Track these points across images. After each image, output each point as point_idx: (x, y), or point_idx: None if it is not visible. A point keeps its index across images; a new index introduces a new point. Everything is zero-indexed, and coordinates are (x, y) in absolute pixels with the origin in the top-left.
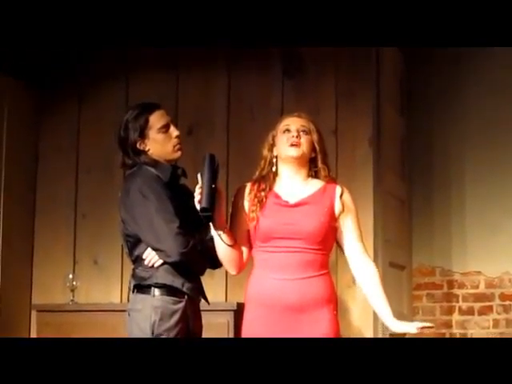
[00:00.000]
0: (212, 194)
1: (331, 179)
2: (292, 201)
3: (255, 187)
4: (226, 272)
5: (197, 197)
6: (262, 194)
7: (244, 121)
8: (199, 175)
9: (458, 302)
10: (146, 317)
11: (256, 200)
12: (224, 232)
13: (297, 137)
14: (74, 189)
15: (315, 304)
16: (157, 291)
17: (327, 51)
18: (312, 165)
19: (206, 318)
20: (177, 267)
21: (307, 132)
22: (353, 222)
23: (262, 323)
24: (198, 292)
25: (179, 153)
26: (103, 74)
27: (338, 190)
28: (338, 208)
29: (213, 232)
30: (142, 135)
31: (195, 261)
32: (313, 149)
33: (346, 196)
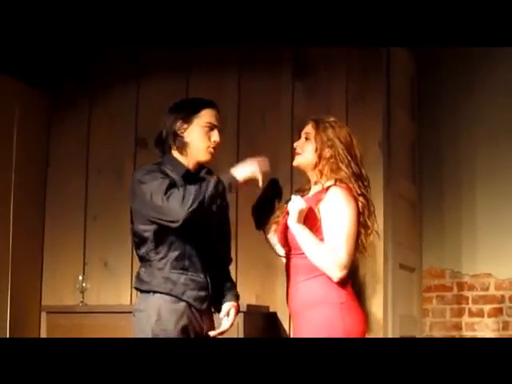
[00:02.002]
0: (267, 211)
1: (326, 185)
2: None
3: None
4: (236, 274)
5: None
6: (286, 205)
7: (254, 123)
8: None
9: (467, 304)
10: (147, 316)
11: (279, 210)
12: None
13: (298, 145)
14: (85, 191)
15: (307, 306)
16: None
17: (338, 54)
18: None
19: (216, 320)
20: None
21: (309, 138)
22: (326, 229)
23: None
24: (203, 301)
25: (210, 156)
26: (114, 76)
27: (322, 196)
28: (319, 215)
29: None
30: (188, 119)
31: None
32: (318, 154)
33: (325, 205)
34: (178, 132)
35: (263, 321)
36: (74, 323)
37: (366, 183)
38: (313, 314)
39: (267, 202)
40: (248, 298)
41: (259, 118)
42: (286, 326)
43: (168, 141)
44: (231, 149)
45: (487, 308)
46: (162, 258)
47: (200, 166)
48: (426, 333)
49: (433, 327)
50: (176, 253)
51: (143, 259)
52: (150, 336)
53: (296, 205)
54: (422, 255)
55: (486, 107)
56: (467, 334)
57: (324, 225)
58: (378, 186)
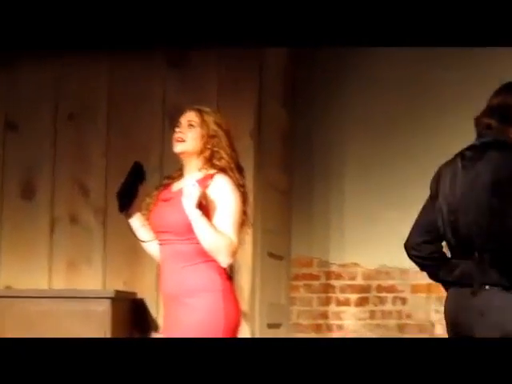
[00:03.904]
0: (131, 195)
1: (209, 172)
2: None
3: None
4: (104, 260)
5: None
6: (155, 191)
7: (126, 109)
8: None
9: (334, 293)
10: None
11: (148, 196)
12: (141, 228)
13: (180, 132)
14: None
15: (190, 293)
16: None
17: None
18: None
19: (83, 306)
20: None
21: (194, 126)
22: (217, 215)
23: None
24: None
25: None
26: None
27: (209, 183)
28: (205, 201)
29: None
30: None
31: None
32: (205, 141)
33: (214, 191)
34: None
35: (131, 307)
36: None
37: (243, 173)
38: (195, 300)
39: (130, 185)
40: (115, 284)
41: (131, 105)
42: (153, 312)
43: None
44: (102, 133)
45: (354, 297)
46: None
47: None
48: (293, 321)
49: (300, 315)
50: None
51: None
52: None
53: (194, 190)
54: (291, 244)
55: (354, 100)
56: (334, 322)
57: (214, 211)
58: (249, 174)
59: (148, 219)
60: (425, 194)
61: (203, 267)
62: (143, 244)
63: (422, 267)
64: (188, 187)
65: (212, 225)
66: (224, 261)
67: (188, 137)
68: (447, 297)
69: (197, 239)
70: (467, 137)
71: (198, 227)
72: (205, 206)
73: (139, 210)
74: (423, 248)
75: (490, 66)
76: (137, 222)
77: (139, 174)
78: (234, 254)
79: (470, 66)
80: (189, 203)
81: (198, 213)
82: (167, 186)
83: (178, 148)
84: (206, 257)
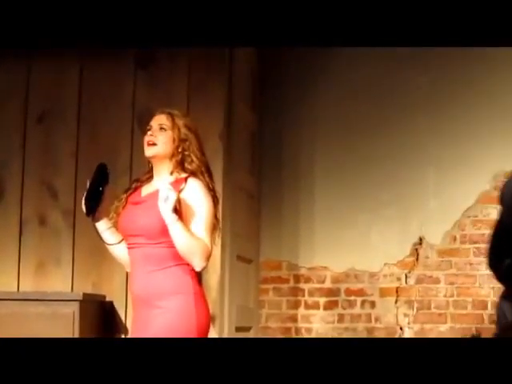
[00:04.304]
0: (96, 198)
1: (181, 176)
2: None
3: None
4: (73, 261)
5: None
6: (124, 195)
7: (95, 110)
8: (88, 180)
9: (303, 296)
10: None
11: (117, 199)
12: (107, 231)
13: (152, 135)
14: None
15: (162, 296)
16: None
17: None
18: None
19: (51, 308)
20: None
21: (165, 129)
22: (191, 219)
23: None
24: None
25: None
26: None
27: (182, 186)
28: (179, 205)
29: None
30: None
31: None
32: (176, 145)
33: (187, 195)
34: None
35: (99, 309)
36: None
37: (212, 177)
38: (167, 303)
39: (96, 187)
40: (84, 286)
41: (100, 105)
42: (122, 315)
43: None
44: (71, 135)
45: (323, 300)
46: None
47: None
48: (262, 324)
49: (269, 319)
50: None
51: None
52: None
53: (171, 193)
54: (260, 247)
55: (323, 103)
56: (303, 325)
57: (188, 215)
58: (218, 177)
59: (117, 222)
60: (395, 196)
61: (174, 270)
62: (109, 247)
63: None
64: (164, 191)
65: (188, 229)
66: (199, 264)
67: (159, 140)
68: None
69: (168, 243)
70: (438, 138)
71: (175, 231)
72: (179, 210)
73: (106, 213)
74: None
75: (459, 67)
76: (103, 225)
77: (104, 176)
78: (208, 257)
79: (440, 66)
80: (166, 207)
81: (175, 217)
82: (136, 189)
83: (149, 152)
84: (177, 260)
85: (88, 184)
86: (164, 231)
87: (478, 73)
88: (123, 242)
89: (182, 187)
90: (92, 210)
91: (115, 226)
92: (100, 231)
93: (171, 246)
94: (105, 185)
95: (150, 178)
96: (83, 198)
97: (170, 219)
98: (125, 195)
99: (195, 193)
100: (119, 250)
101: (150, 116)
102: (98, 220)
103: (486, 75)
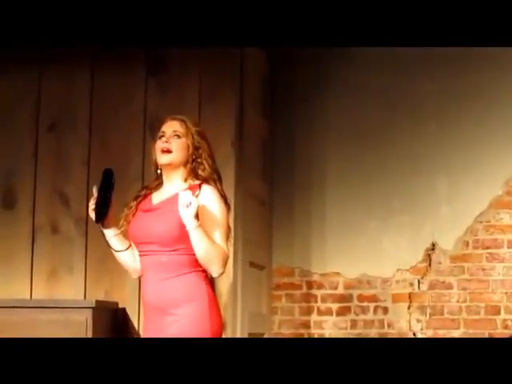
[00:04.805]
0: (105, 204)
1: (194, 183)
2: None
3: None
4: (85, 269)
5: (91, 206)
6: (134, 202)
7: (106, 117)
8: (94, 187)
9: (316, 302)
10: None
11: (127, 207)
12: (114, 237)
13: (166, 142)
14: None
15: (176, 303)
16: None
17: (191, 51)
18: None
19: (64, 316)
20: None
21: (180, 136)
22: (208, 225)
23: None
24: None
25: None
26: None
27: (197, 193)
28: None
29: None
30: None
31: None
32: (191, 152)
33: (203, 201)
34: None
35: (112, 317)
36: None
37: (222, 185)
38: (181, 310)
39: (104, 193)
40: (96, 293)
41: (112, 112)
42: (135, 322)
43: None
44: (83, 143)
45: (335, 306)
46: None
47: None
48: (274, 330)
49: (282, 325)
50: None
51: None
52: None
53: (193, 199)
54: (272, 253)
55: (335, 106)
56: (315, 331)
57: (206, 221)
58: (229, 184)
59: (127, 230)
60: (407, 203)
61: (189, 277)
62: (115, 253)
63: None
64: (186, 197)
65: (208, 235)
66: (217, 270)
67: (174, 147)
68: None
69: (183, 250)
70: (449, 144)
71: (195, 237)
72: (196, 216)
73: (115, 219)
74: None
75: (470, 75)
76: (110, 232)
77: (108, 181)
78: (225, 263)
79: (451, 75)
80: (187, 212)
81: (197, 222)
82: (146, 196)
83: (164, 159)
84: (192, 267)
85: (96, 191)
86: (180, 238)
87: (488, 81)
88: (130, 248)
89: (196, 193)
90: (101, 217)
91: (125, 233)
92: (107, 237)
93: (186, 252)
94: (112, 190)
95: (160, 184)
96: (92, 205)
97: (192, 225)
98: (135, 203)
99: (211, 199)
100: (126, 257)
101: (162, 123)
102: (107, 226)
103: (496, 83)
